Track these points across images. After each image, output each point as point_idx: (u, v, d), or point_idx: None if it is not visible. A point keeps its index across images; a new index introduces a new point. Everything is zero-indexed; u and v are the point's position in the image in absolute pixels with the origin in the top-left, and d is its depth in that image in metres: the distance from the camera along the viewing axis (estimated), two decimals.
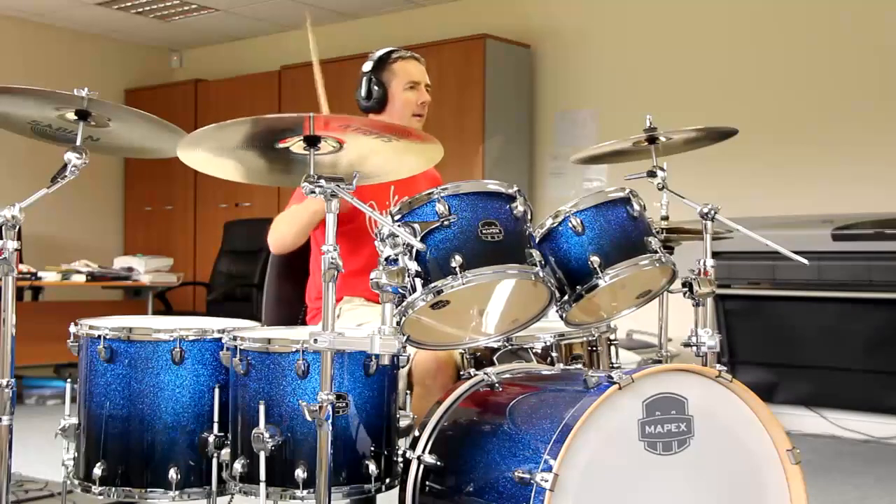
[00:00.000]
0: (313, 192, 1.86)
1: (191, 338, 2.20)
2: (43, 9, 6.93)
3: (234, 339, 2.11)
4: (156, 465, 2.16)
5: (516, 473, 1.84)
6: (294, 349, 2.02)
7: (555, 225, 2.20)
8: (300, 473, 1.99)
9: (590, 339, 2.45)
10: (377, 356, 1.97)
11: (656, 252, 2.21)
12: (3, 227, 2.00)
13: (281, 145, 1.97)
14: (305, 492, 1.99)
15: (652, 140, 2.52)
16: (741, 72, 5.44)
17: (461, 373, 2.36)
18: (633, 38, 5.84)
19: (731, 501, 2.01)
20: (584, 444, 1.83)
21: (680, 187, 2.47)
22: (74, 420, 2.25)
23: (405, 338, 2.03)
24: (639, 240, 2.21)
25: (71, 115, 2.12)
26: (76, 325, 2.28)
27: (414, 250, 1.96)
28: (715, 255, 2.44)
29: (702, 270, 2.39)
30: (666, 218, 2.58)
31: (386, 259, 1.99)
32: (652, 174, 2.51)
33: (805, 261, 2.38)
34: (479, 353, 2.39)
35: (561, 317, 2.23)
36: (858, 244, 4.50)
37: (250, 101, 6.98)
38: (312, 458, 1.91)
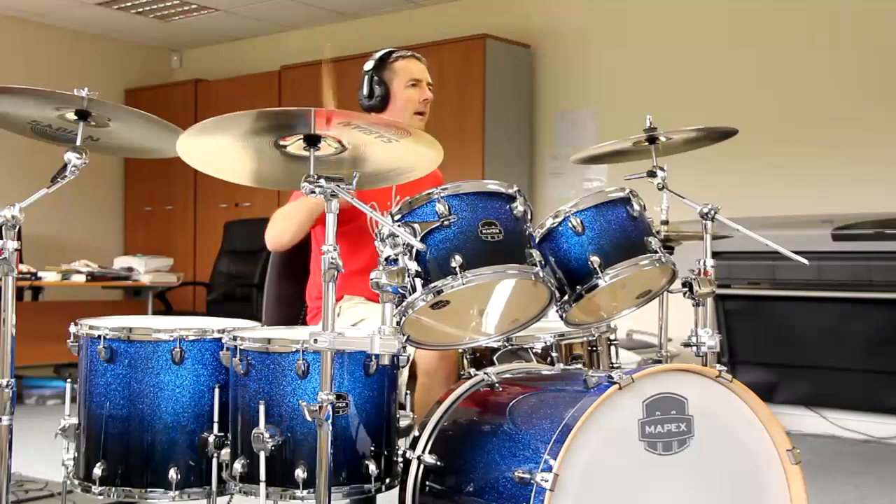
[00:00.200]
0: (313, 192, 1.86)
1: (191, 338, 2.20)
2: (43, 9, 6.93)
3: (234, 339, 2.11)
4: (156, 465, 2.16)
5: (516, 473, 1.84)
6: (294, 349, 2.02)
7: (555, 225, 2.20)
8: (300, 473, 1.99)
9: (590, 339, 2.45)
10: (377, 356, 1.97)
11: (656, 252, 2.21)
12: (3, 227, 2.00)
13: (281, 143, 1.97)
14: (305, 492, 1.99)
15: (652, 140, 2.52)
16: (741, 72, 5.44)
17: (461, 373, 2.36)
18: (633, 38, 5.84)
19: (731, 501, 2.01)
20: (584, 444, 1.83)
21: (680, 187, 2.47)
22: (74, 420, 2.25)
23: (405, 338, 2.03)
24: (639, 240, 2.21)
25: (71, 115, 2.12)
26: (76, 325, 2.28)
27: (414, 250, 1.96)
28: (715, 255, 2.44)
29: (702, 270, 2.39)
30: (666, 222, 2.58)
31: (386, 259, 1.99)
32: (652, 174, 2.51)
33: (805, 261, 2.38)
34: (479, 353, 2.39)
35: (561, 317, 2.23)
36: (858, 244, 4.50)
37: (250, 101, 6.98)
38: (312, 458, 1.91)
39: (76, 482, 2.24)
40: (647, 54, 5.78)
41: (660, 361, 2.63)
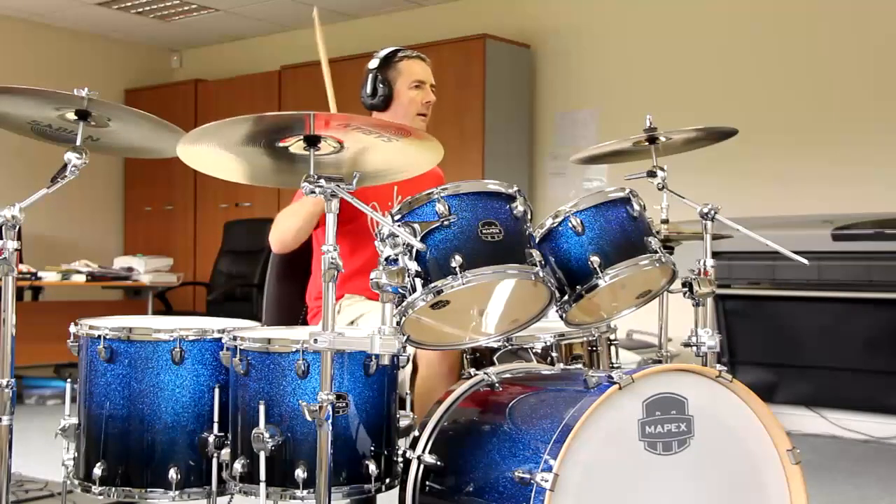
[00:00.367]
0: (313, 192, 1.86)
1: (191, 338, 2.20)
2: (43, 9, 6.93)
3: (234, 339, 2.11)
4: (156, 465, 2.16)
5: (516, 473, 1.84)
6: (294, 349, 2.02)
7: (555, 225, 2.20)
8: (300, 473, 1.99)
9: (590, 339, 2.45)
10: (377, 356, 1.97)
11: (656, 252, 2.21)
12: (3, 227, 2.00)
13: (281, 145, 1.97)
14: (305, 492, 1.99)
15: (652, 140, 2.52)
16: (741, 72, 5.44)
17: (461, 372, 2.36)
18: (633, 39, 5.84)
19: (731, 501, 2.01)
20: (584, 444, 1.83)
21: (680, 187, 2.47)
22: (74, 420, 2.25)
23: (405, 338, 2.03)
24: (639, 240, 2.21)
25: (71, 115, 2.12)
26: (76, 325, 2.28)
27: (414, 250, 1.97)
28: (715, 255, 2.44)
29: (702, 270, 2.39)
30: (666, 221, 2.58)
31: (386, 259, 1.99)
32: (652, 174, 2.51)
33: (805, 261, 2.38)
34: (479, 353, 2.39)
35: (561, 317, 2.23)
36: (858, 244, 4.50)
37: (250, 101, 6.98)
38: (312, 458, 1.91)
39: (76, 482, 2.24)
40: (647, 54, 5.78)
41: (660, 361, 2.63)
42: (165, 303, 6.52)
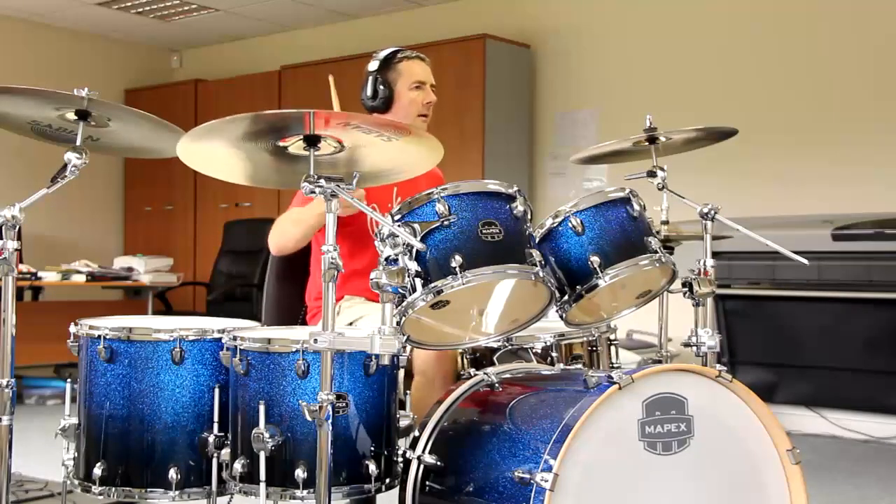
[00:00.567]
0: (313, 192, 1.86)
1: (191, 338, 2.20)
2: (43, 9, 6.93)
3: (234, 339, 2.11)
4: (156, 465, 2.16)
5: (516, 473, 1.84)
6: (294, 349, 2.02)
7: (555, 225, 2.20)
8: (300, 473, 1.99)
9: (590, 339, 2.45)
10: (377, 356, 1.97)
11: (656, 252, 2.21)
12: (3, 227, 2.00)
13: (281, 144, 1.97)
14: (305, 492, 1.99)
15: (652, 140, 2.52)
16: (741, 72, 5.44)
17: (461, 373, 2.36)
18: (633, 39, 5.84)
19: (731, 501, 2.01)
20: (584, 444, 1.83)
21: (680, 187, 2.47)
22: (74, 420, 2.25)
23: (405, 338, 2.03)
24: (639, 240, 2.21)
25: (71, 115, 2.12)
26: (76, 325, 2.28)
27: (414, 250, 1.97)
28: (715, 255, 2.44)
29: (702, 270, 2.39)
30: (666, 222, 2.58)
31: (386, 259, 1.99)
32: (652, 174, 2.51)
33: (805, 261, 2.38)
34: (479, 353, 2.39)
35: (561, 317, 2.23)
36: (858, 244, 4.50)
37: (250, 101, 6.98)
38: (312, 458, 1.91)
39: (76, 482, 2.24)
40: (647, 54, 5.78)
41: (660, 361, 2.63)
42: (165, 303, 6.52)
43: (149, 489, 2.18)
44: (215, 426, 2.17)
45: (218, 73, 7.59)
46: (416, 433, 2.13)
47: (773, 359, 5.01)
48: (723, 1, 5.56)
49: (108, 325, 2.22)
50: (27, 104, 2.12)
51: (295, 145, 1.96)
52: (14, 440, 2.09)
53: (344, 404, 1.85)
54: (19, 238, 2.05)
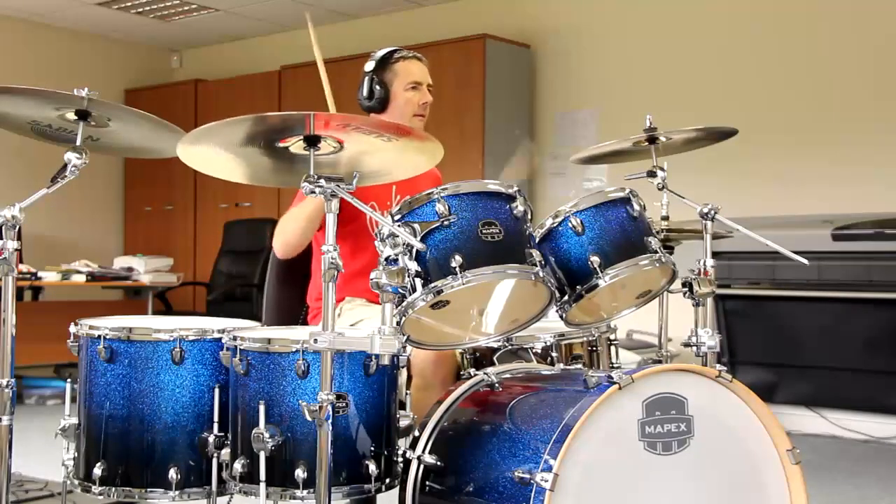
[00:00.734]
0: (313, 192, 1.86)
1: (191, 338, 2.19)
2: (43, 9, 6.93)
3: (234, 339, 2.11)
4: (156, 465, 2.16)
5: (516, 473, 1.84)
6: (294, 349, 2.02)
7: (555, 225, 2.20)
8: (300, 473, 1.99)
9: (590, 339, 2.45)
10: (377, 356, 1.97)
11: (656, 252, 2.21)
12: (3, 227, 2.00)
13: (281, 145, 1.97)
14: (305, 492, 1.99)
15: (652, 140, 2.52)
16: (741, 72, 5.44)
17: (461, 373, 2.36)
18: (633, 39, 5.84)
19: (731, 501, 2.01)
20: (584, 444, 1.83)
21: (680, 187, 2.47)
22: (74, 420, 2.25)
23: (405, 338, 2.03)
24: (639, 240, 2.21)
25: (71, 115, 2.12)
26: (76, 325, 2.28)
27: (414, 250, 1.97)
28: (715, 255, 2.44)
29: (702, 270, 2.39)
30: (666, 218, 2.58)
31: (386, 259, 1.99)
32: (652, 174, 2.51)
33: (805, 261, 2.38)
34: (479, 353, 2.39)
35: (561, 317, 2.23)
36: (858, 244, 4.51)
37: (250, 101, 6.98)
38: (312, 458, 1.91)
39: (76, 482, 2.24)
40: (647, 54, 5.78)
41: (660, 361, 2.63)
42: (165, 303, 6.52)
43: (149, 489, 2.17)
44: (215, 426, 2.17)
45: (218, 73, 7.59)
46: (416, 433, 2.13)
47: (773, 359, 5.02)
48: (723, 1, 5.56)
49: (108, 325, 2.22)
50: (27, 104, 2.12)
51: (295, 145, 1.96)
52: (14, 440, 2.09)
53: (344, 404, 1.85)
54: (19, 238, 2.05)
